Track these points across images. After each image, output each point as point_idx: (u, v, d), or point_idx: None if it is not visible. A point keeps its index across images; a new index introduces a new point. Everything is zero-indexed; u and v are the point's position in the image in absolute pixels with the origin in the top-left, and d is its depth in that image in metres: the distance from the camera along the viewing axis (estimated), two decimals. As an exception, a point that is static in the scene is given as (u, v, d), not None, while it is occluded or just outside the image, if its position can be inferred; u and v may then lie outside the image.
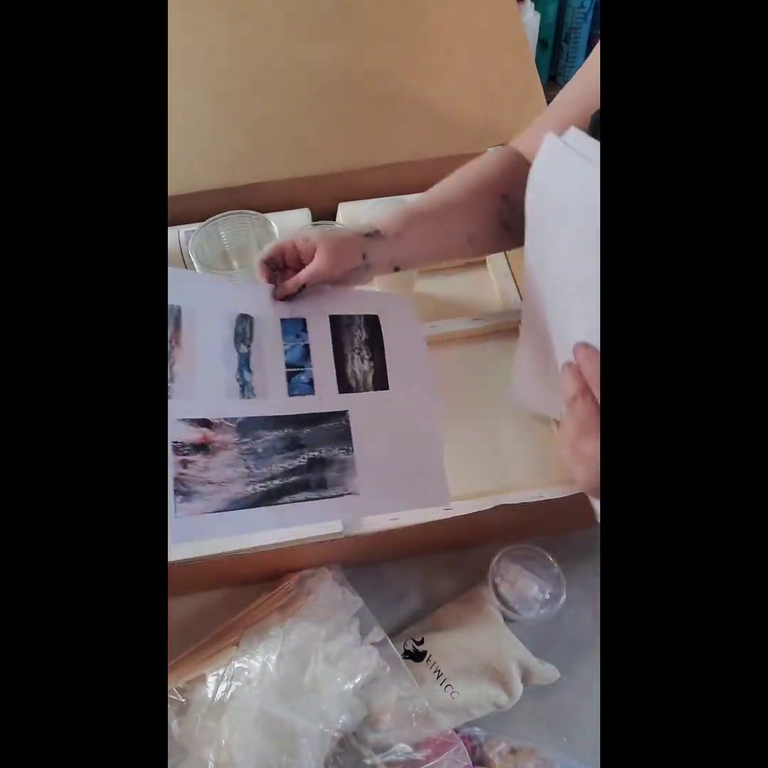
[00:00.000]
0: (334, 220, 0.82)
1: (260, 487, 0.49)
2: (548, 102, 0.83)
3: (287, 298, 0.55)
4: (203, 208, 0.76)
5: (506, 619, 0.60)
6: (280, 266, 0.56)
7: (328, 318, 0.57)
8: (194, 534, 0.46)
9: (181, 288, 0.52)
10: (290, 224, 0.79)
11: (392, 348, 0.59)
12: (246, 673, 0.54)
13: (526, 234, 0.55)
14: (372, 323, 0.59)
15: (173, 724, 0.53)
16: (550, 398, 0.60)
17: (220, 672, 0.55)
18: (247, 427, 0.50)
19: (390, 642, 0.58)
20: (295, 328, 0.55)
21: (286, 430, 0.52)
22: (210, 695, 0.54)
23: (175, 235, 0.78)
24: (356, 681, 0.54)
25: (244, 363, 0.52)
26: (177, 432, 0.47)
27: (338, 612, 0.58)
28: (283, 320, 0.55)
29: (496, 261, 0.80)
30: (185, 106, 0.81)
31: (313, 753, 0.51)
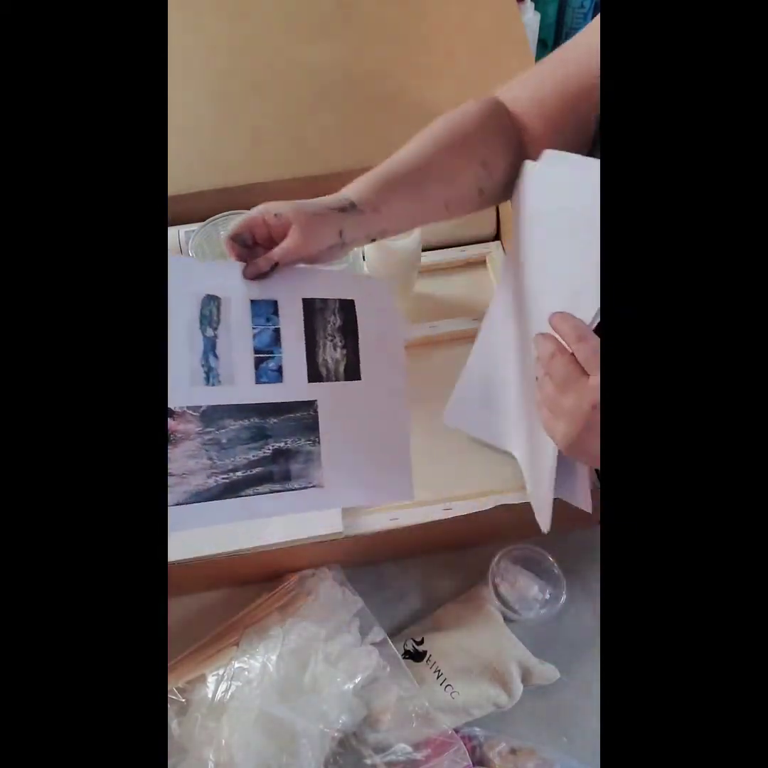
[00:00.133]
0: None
1: (222, 479, 0.47)
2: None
3: (259, 277, 0.51)
4: (203, 208, 0.76)
5: (506, 619, 0.60)
6: (250, 243, 0.52)
7: (301, 301, 0.53)
8: None
9: None
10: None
11: (367, 336, 0.56)
12: (246, 673, 0.54)
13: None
14: (347, 309, 0.56)
15: (173, 724, 0.53)
16: (492, 421, 0.60)
17: (220, 672, 0.55)
18: (211, 416, 0.48)
19: (390, 642, 0.58)
20: (265, 310, 0.52)
21: (251, 420, 0.49)
22: (210, 695, 0.54)
23: (175, 235, 0.78)
24: (356, 681, 0.54)
25: (210, 348, 0.49)
26: None
27: (338, 612, 0.58)
28: (253, 302, 0.51)
29: (496, 261, 0.80)
30: (185, 106, 0.81)
31: (313, 753, 0.51)
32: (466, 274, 0.82)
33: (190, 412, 0.47)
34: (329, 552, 0.60)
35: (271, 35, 0.83)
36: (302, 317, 0.53)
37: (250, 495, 0.48)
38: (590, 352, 0.42)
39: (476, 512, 0.57)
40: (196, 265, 0.55)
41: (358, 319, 0.56)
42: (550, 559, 0.61)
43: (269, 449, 0.50)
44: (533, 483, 0.59)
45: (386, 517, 0.59)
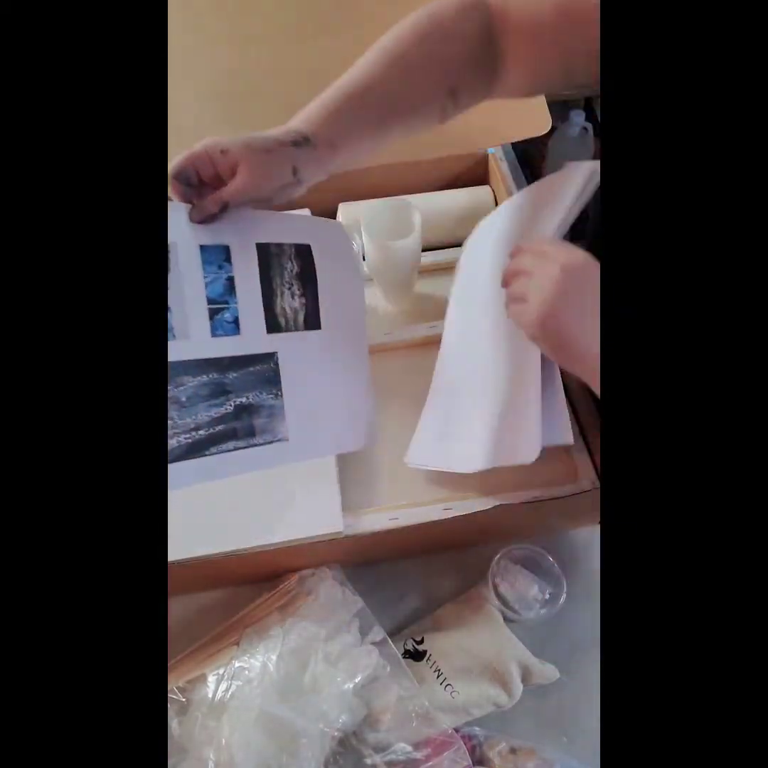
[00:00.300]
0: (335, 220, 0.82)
1: (185, 438, 0.45)
2: (548, 102, 0.83)
3: (207, 219, 0.46)
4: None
5: (506, 619, 0.60)
6: (195, 182, 0.46)
7: (254, 246, 0.49)
8: None
9: None
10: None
11: (326, 283, 0.52)
12: (246, 672, 0.54)
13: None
14: (304, 254, 0.52)
15: (173, 723, 0.53)
16: (454, 448, 0.61)
17: (221, 671, 0.55)
18: (169, 373, 0.45)
19: (390, 642, 0.58)
20: (216, 257, 0.47)
21: (210, 375, 0.47)
22: (210, 695, 0.54)
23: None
24: (356, 681, 0.54)
25: None
26: None
27: (338, 612, 0.58)
28: (202, 248, 0.47)
29: (496, 261, 0.81)
30: (185, 106, 0.81)
31: (313, 752, 0.51)
32: (466, 274, 0.82)
33: None
34: (329, 552, 0.60)
35: (271, 35, 0.83)
36: (257, 264, 0.49)
37: (214, 453, 0.47)
38: (549, 243, 0.45)
39: (476, 512, 0.57)
40: None
41: (316, 264, 0.52)
42: (550, 559, 0.61)
43: (231, 405, 0.47)
44: (510, 428, 0.57)
45: (386, 517, 0.59)
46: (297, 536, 0.57)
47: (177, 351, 0.45)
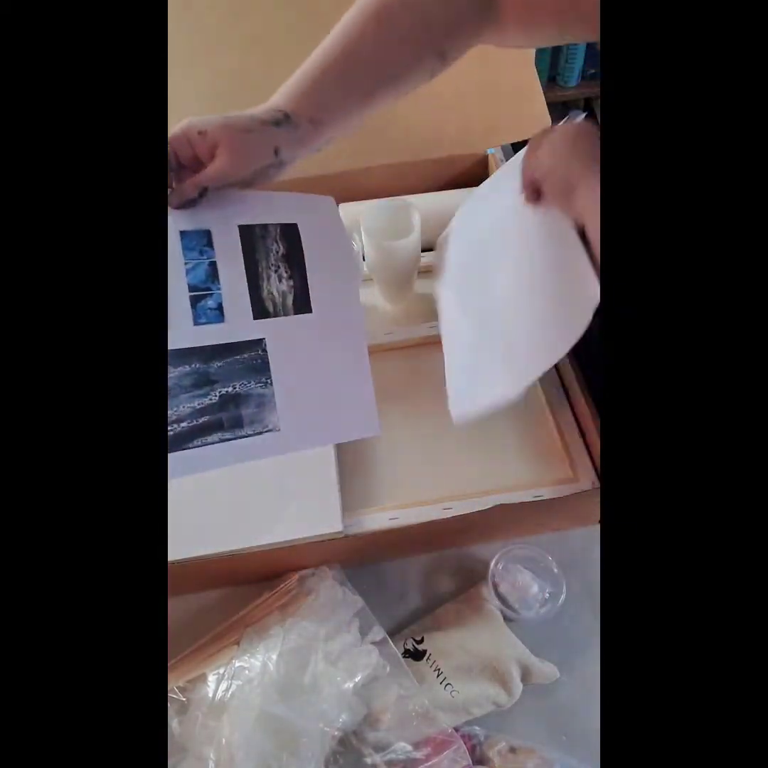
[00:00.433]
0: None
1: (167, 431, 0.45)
2: (548, 102, 0.84)
3: (186, 204, 0.45)
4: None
5: (506, 619, 0.60)
6: (173, 165, 0.45)
7: (237, 229, 0.48)
8: None
9: None
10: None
11: (314, 263, 0.51)
12: (246, 672, 0.54)
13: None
14: (290, 234, 0.50)
15: (174, 723, 0.53)
16: (489, 384, 0.57)
17: (221, 671, 0.55)
18: None
19: (390, 641, 0.58)
20: (197, 242, 0.46)
21: (193, 365, 0.46)
22: (210, 694, 0.54)
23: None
24: (356, 680, 0.54)
25: None
26: None
27: (338, 611, 0.58)
28: (182, 233, 0.46)
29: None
30: (185, 106, 0.81)
31: (313, 752, 0.51)
32: (466, 274, 0.82)
33: None
34: (329, 552, 0.60)
35: (271, 35, 0.83)
36: (240, 247, 0.48)
37: (198, 446, 0.46)
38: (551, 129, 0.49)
39: (476, 512, 0.57)
40: None
41: (303, 244, 0.51)
42: (550, 558, 0.61)
43: (216, 396, 0.46)
44: (530, 343, 0.56)
45: (386, 516, 0.59)
46: (297, 536, 0.57)
47: None
